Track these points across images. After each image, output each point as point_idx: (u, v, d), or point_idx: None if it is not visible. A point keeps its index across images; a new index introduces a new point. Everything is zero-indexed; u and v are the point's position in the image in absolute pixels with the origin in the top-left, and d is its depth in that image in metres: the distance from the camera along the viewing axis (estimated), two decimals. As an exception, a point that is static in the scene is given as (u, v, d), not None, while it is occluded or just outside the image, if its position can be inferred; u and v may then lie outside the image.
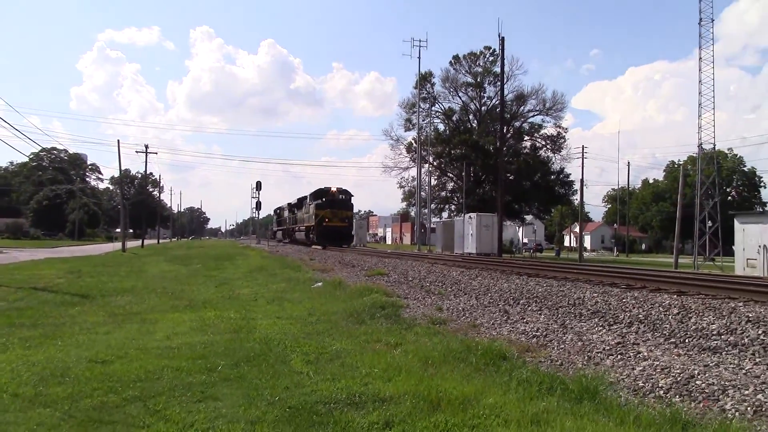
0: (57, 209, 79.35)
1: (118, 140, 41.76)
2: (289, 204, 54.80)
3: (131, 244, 52.79)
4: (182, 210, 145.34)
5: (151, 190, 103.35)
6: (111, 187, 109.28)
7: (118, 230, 69.68)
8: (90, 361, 6.23)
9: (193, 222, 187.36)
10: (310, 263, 22.72)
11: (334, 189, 39.91)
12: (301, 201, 47.61)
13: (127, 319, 9.23)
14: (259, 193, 57.64)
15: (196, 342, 7.26)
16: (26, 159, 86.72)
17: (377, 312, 9.20)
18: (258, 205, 56.96)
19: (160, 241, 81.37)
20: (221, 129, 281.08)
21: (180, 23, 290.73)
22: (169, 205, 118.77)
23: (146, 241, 57.86)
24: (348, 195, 41.08)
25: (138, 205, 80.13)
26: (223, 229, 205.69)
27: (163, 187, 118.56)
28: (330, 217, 37.62)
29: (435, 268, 17.28)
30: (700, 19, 35.99)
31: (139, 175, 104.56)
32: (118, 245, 46.38)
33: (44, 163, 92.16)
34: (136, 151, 60.06)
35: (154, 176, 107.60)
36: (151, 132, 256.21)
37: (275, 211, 68.75)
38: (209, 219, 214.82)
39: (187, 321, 8.98)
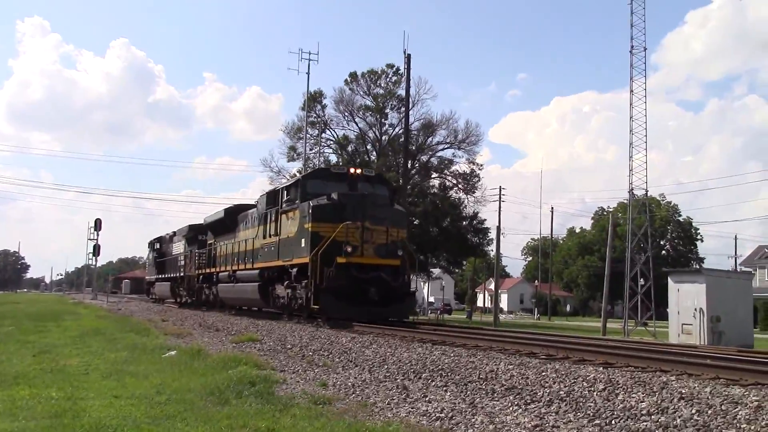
0: None
1: None
2: (191, 228, 37.43)
3: None
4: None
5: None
6: None
7: None
8: None
9: (7, 270, 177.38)
10: (162, 325, 22.01)
11: (357, 171, 22.71)
12: (236, 213, 29.86)
13: None
14: (98, 234, 55.40)
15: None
16: None
17: (245, 389, 9.01)
18: (96, 249, 54.70)
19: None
20: (54, 150, 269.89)
21: (4, 12, 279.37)
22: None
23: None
24: (387, 185, 23.86)
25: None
26: (47, 280, 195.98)
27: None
28: (356, 239, 19.48)
29: (320, 332, 17.16)
30: (632, 46, 38.65)
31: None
32: None
33: None
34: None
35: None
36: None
37: (152, 245, 51.12)
38: (29, 266, 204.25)
39: (-9, 402, 8.50)
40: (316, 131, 58.32)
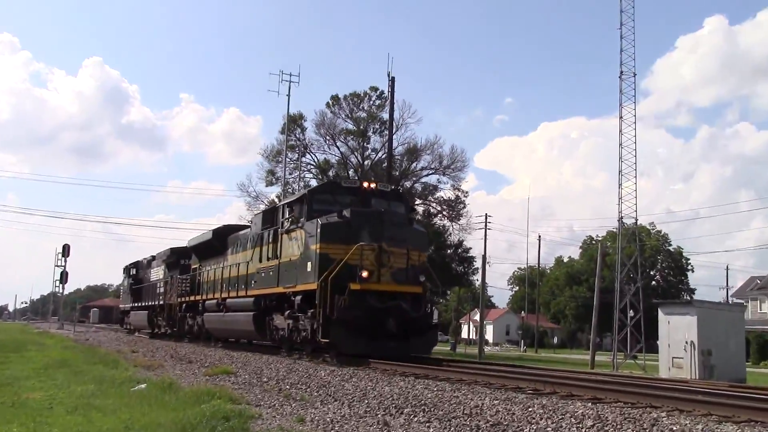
0: None
1: None
2: (173, 252, 36.49)
3: None
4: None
5: None
6: None
7: None
8: None
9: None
10: (131, 357, 21.81)
11: (371, 186, 20.86)
12: (226, 234, 28.14)
13: None
14: (65, 260, 54.84)
15: (-40, 468, 6.72)
16: None
17: (219, 424, 8.88)
18: (63, 276, 54.13)
19: None
20: (21, 172, 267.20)
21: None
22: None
23: None
24: (404, 202, 22.08)
25: None
26: (11, 308, 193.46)
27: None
28: (372, 263, 17.97)
29: (298, 365, 17.14)
30: (621, 72, 39.10)
31: None
32: None
33: None
34: None
35: None
36: None
37: (128, 270, 49.25)
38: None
39: (-51, 438, 8.32)
40: (296, 155, 58.33)
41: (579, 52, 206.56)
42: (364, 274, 17.55)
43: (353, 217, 18.43)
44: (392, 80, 41.55)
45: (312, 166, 59.84)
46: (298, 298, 19.41)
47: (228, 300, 25.27)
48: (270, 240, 22.02)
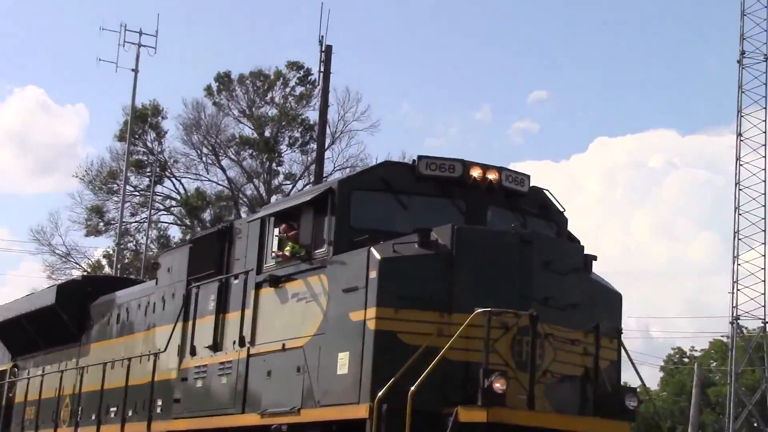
0: None
1: None
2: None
3: None
4: None
5: None
6: None
7: None
8: None
9: None
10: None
11: (489, 176, 15.90)
12: (88, 295, 25.37)
13: None
14: None
15: None
16: None
17: None
18: None
19: None
20: None
21: None
22: None
23: None
24: (552, 215, 17.75)
25: None
26: None
27: None
28: (509, 360, 13.66)
29: None
30: (742, 52, 37.92)
31: None
32: None
33: None
34: None
35: None
36: None
37: None
38: None
39: None
40: (146, 181, 56.60)
41: (665, 15, 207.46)
42: (497, 385, 12.41)
43: (459, 243, 13.51)
44: (327, 51, 39.68)
45: (173, 203, 57.95)
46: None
47: None
48: (217, 306, 17.47)
